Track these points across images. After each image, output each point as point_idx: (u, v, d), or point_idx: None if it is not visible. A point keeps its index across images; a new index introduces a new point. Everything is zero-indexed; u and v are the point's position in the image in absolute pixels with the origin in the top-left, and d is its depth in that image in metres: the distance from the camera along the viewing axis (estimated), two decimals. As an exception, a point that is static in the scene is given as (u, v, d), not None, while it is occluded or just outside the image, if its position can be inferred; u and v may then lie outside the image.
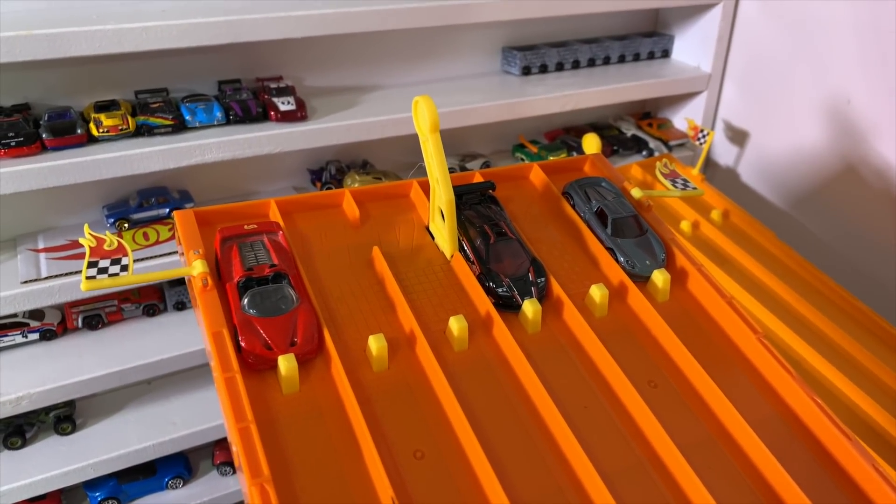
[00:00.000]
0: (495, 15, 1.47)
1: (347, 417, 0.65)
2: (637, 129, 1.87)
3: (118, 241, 0.73)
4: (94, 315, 1.44)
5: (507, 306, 0.79)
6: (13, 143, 1.17)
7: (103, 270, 0.70)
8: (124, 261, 0.72)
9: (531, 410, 0.70)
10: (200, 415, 1.52)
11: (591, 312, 0.80)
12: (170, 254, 1.33)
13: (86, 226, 0.74)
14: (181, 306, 1.51)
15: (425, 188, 0.90)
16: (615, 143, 1.80)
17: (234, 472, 1.61)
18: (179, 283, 1.52)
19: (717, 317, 0.83)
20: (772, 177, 1.75)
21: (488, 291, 0.79)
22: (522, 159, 1.75)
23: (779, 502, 0.66)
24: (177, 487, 1.60)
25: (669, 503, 0.64)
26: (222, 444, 1.65)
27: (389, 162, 1.65)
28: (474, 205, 0.88)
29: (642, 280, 0.85)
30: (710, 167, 1.89)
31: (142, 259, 1.31)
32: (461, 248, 0.83)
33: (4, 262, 1.32)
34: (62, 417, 1.46)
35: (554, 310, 0.80)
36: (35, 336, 1.40)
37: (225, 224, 0.80)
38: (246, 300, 0.70)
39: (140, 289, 1.50)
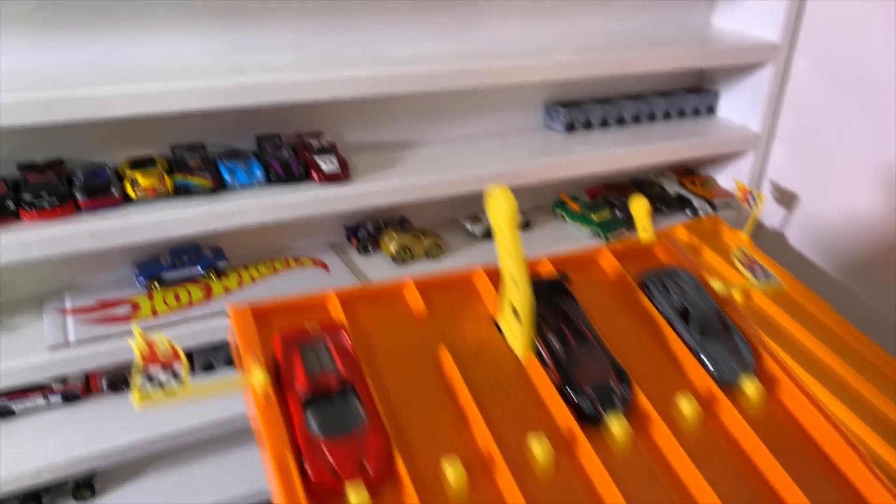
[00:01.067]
0: (540, 75, 1.43)
1: (426, 561, 0.58)
2: (680, 186, 1.81)
3: (171, 345, 0.66)
4: (120, 378, 1.37)
5: (590, 419, 0.72)
6: (46, 205, 1.12)
7: (157, 383, 0.64)
8: (177, 368, 0.65)
9: (625, 549, 0.62)
10: (223, 484, 1.45)
11: (681, 428, 0.73)
12: (203, 317, 1.27)
13: (136, 329, 0.68)
14: (210, 367, 1.45)
15: (491, 276, 0.84)
16: (658, 201, 1.74)
17: (257, 543, 1.53)
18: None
19: (814, 432, 0.76)
20: (822, 241, 1.68)
21: (569, 404, 0.72)
22: (563, 217, 1.70)
23: None
24: (197, 557, 1.52)
25: None
26: (245, 511, 1.57)
27: (427, 219, 1.59)
28: (546, 296, 0.81)
29: (730, 386, 0.78)
30: (757, 228, 1.82)
31: (173, 324, 1.26)
32: (536, 351, 0.76)
33: (28, 324, 1.26)
34: (82, 484, 1.40)
35: (639, 423, 0.73)
36: (57, 399, 1.34)
37: (285, 322, 0.73)
38: (312, 419, 0.63)
39: (167, 349, 1.44)
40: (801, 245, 1.73)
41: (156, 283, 1.33)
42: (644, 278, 0.88)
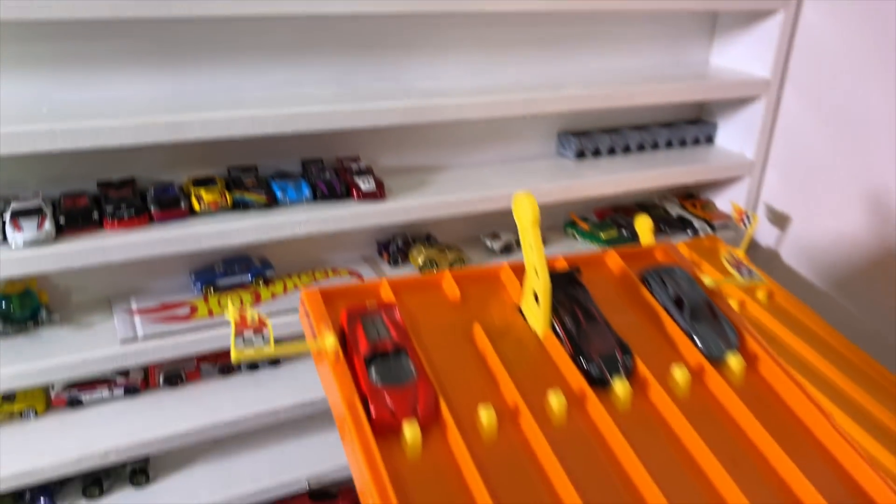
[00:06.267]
0: (554, 107, 1.60)
1: (467, 484, 0.73)
2: (681, 209, 1.97)
3: (258, 316, 0.82)
4: (175, 374, 1.53)
5: (598, 382, 0.87)
6: (125, 216, 1.29)
7: (248, 342, 0.79)
8: (265, 334, 0.81)
9: (626, 480, 0.77)
10: (267, 473, 1.59)
11: (675, 392, 0.88)
12: (253, 318, 1.43)
13: (229, 302, 0.83)
14: (254, 366, 1.60)
15: (516, 271, 0.99)
16: (661, 222, 1.90)
17: (295, 531, 1.66)
18: (254, 345, 1.61)
19: (790, 401, 0.90)
20: (814, 259, 1.83)
21: (581, 369, 0.87)
22: (574, 235, 1.85)
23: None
24: (238, 544, 1.64)
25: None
26: (286, 501, 1.70)
27: (451, 235, 1.76)
28: (562, 287, 0.97)
29: (718, 361, 0.93)
30: (753, 248, 1.97)
31: (226, 324, 1.41)
32: (553, 328, 0.92)
33: (100, 323, 1.42)
34: (137, 470, 1.54)
35: (640, 388, 0.88)
36: (120, 392, 1.49)
37: (346, 303, 0.89)
38: (373, 372, 0.79)
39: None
40: (793, 263, 1.87)
41: (211, 289, 1.50)
42: (644, 274, 1.03)
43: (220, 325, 1.40)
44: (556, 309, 0.93)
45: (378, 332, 0.84)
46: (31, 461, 1.32)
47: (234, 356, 0.78)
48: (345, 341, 0.84)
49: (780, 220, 1.89)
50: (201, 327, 1.39)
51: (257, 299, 1.50)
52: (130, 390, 1.50)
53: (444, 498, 0.72)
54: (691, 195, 2.07)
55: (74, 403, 1.46)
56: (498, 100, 1.50)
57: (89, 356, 1.31)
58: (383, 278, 0.94)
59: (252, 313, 0.83)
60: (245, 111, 1.30)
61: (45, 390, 1.46)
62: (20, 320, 1.36)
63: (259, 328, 0.81)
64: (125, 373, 1.50)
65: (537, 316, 0.92)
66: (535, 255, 0.88)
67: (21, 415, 1.42)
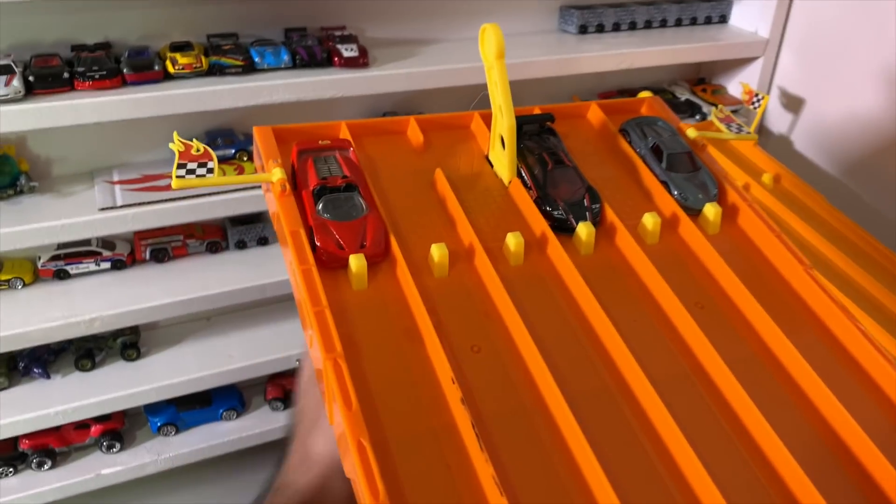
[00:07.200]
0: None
1: (411, 313, 0.70)
2: (691, 93, 1.87)
3: (204, 147, 0.78)
4: (161, 248, 1.52)
5: (563, 229, 0.82)
6: (97, 76, 1.25)
7: (191, 172, 0.76)
8: (210, 164, 0.77)
9: (581, 319, 0.73)
10: (255, 350, 1.60)
11: (643, 239, 0.83)
12: (235, 191, 1.40)
13: (175, 133, 0.80)
14: (242, 245, 1.59)
15: (486, 120, 0.94)
16: (669, 107, 1.80)
17: (285, 407, 1.69)
18: (241, 222, 1.59)
19: (766, 250, 0.85)
20: (826, 144, 1.74)
21: (544, 214, 0.83)
22: (575, 119, 1.78)
23: (818, 416, 0.69)
24: (230, 419, 1.68)
25: (711, 408, 0.68)
26: (274, 380, 1.73)
27: (442, 111, 1.69)
28: (534, 136, 0.91)
29: (695, 213, 0.88)
30: (764, 134, 1.88)
31: (208, 195, 1.39)
32: (519, 175, 0.87)
33: (82, 192, 1.40)
34: (128, 344, 1.56)
35: (607, 235, 0.83)
36: (107, 265, 1.49)
37: (299, 140, 0.85)
38: (320, 205, 0.75)
39: (204, 226, 1.58)
40: (805, 149, 1.79)
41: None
42: (624, 125, 0.97)
43: (199, 195, 1.38)
44: (525, 155, 0.88)
45: (330, 169, 0.80)
46: (18, 326, 1.34)
47: (174, 184, 0.75)
48: (295, 179, 0.81)
49: (793, 103, 1.79)
50: (180, 198, 1.37)
51: (241, 173, 1.46)
52: (117, 264, 1.50)
53: (388, 324, 0.69)
54: (703, 80, 1.96)
55: (61, 275, 1.46)
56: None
57: (68, 222, 1.30)
58: (342, 121, 0.90)
59: (197, 144, 0.79)
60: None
61: (33, 261, 1.47)
62: (-2, 186, 1.35)
63: (204, 159, 0.78)
64: (111, 246, 1.50)
65: (503, 161, 0.87)
66: (500, 93, 0.83)
67: (8, 284, 1.43)
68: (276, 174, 0.77)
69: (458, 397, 0.62)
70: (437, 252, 0.75)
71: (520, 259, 0.78)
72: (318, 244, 0.73)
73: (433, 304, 0.71)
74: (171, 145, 0.79)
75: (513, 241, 0.77)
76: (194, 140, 0.80)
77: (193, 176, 0.76)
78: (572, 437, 0.62)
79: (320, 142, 0.84)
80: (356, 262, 0.71)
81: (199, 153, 0.78)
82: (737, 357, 0.72)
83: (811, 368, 0.71)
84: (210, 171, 0.77)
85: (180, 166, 0.77)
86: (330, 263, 0.73)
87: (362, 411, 0.60)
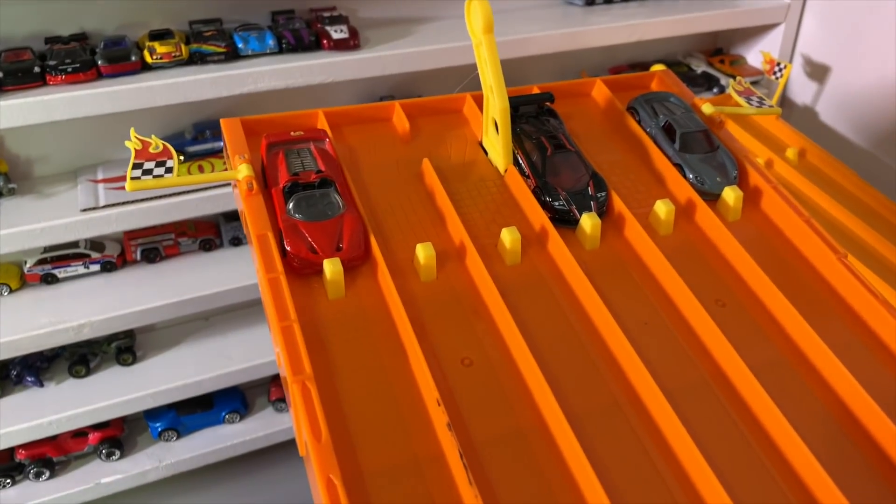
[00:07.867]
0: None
1: (394, 323, 0.63)
2: (708, 65, 1.77)
3: (163, 144, 0.71)
4: (152, 248, 1.46)
5: (565, 221, 0.74)
6: (70, 70, 1.18)
7: (148, 172, 0.69)
8: (169, 163, 0.70)
9: (587, 324, 0.65)
10: (255, 351, 1.54)
11: (656, 230, 0.75)
12: (225, 185, 1.33)
13: (132, 130, 0.72)
14: (237, 242, 1.52)
15: (479, 102, 0.85)
16: (684, 80, 1.69)
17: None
18: (235, 218, 1.52)
19: (794, 237, 0.76)
20: (853, 115, 1.63)
21: (544, 206, 0.74)
22: (583, 97, 1.68)
23: (858, 426, 0.60)
24: (233, 422, 1.62)
25: (735, 421, 0.59)
26: (277, 380, 1.66)
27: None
28: (531, 118, 0.83)
29: (712, 198, 0.79)
30: (787, 106, 1.77)
31: (197, 191, 1.31)
32: (516, 162, 0.78)
33: (65, 192, 1.34)
34: (123, 349, 1.50)
35: (615, 226, 0.75)
36: (96, 267, 1.43)
37: (270, 132, 0.77)
38: (291, 205, 0.68)
39: (197, 223, 1.51)
40: (831, 119, 1.67)
41: (181, 157, 1.39)
42: (632, 102, 0.88)
43: (189, 192, 1.31)
44: (521, 139, 0.80)
45: (303, 163, 0.72)
46: (5, 334, 1.28)
47: (128, 186, 0.68)
48: (265, 174, 0.73)
49: (817, 72, 1.68)
50: (167, 195, 1.30)
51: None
52: (107, 266, 1.44)
53: (367, 338, 0.62)
54: (720, 51, 1.85)
55: (49, 279, 1.40)
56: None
57: (48, 225, 1.23)
58: (319, 109, 0.81)
59: (156, 141, 0.72)
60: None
61: (19, 266, 1.41)
62: (-24, 188, 1.28)
63: (162, 157, 0.70)
64: (100, 247, 1.44)
65: (497, 147, 0.79)
66: (490, 72, 0.74)
67: (-6, 291, 1.38)
68: (242, 171, 0.70)
69: (445, 422, 0.55)
70: (423, 252, 0.67)
71: (516, 257, 0.70)
72: (288, 249, 0.65)
73: (418, 312, 0.64)
74: (127, 143, 0.72)
75: (508, 237, 0.69)
76: (153, 136, 0.72)
77: (150, 177, 0.68)
78: (576, 464, 0.55)
79: (292, 133, 0.76)
80: (331, 267, 0.64)
81: (158, 151, 0.70)
82: (763, 361, 0.64)
83: (849, 373, 0.62)
84: (169, 170, 0.69)
85: (136, 166, 0.70)
86: (302, 270, 0.65)
87: (334, 441, 0.52)
